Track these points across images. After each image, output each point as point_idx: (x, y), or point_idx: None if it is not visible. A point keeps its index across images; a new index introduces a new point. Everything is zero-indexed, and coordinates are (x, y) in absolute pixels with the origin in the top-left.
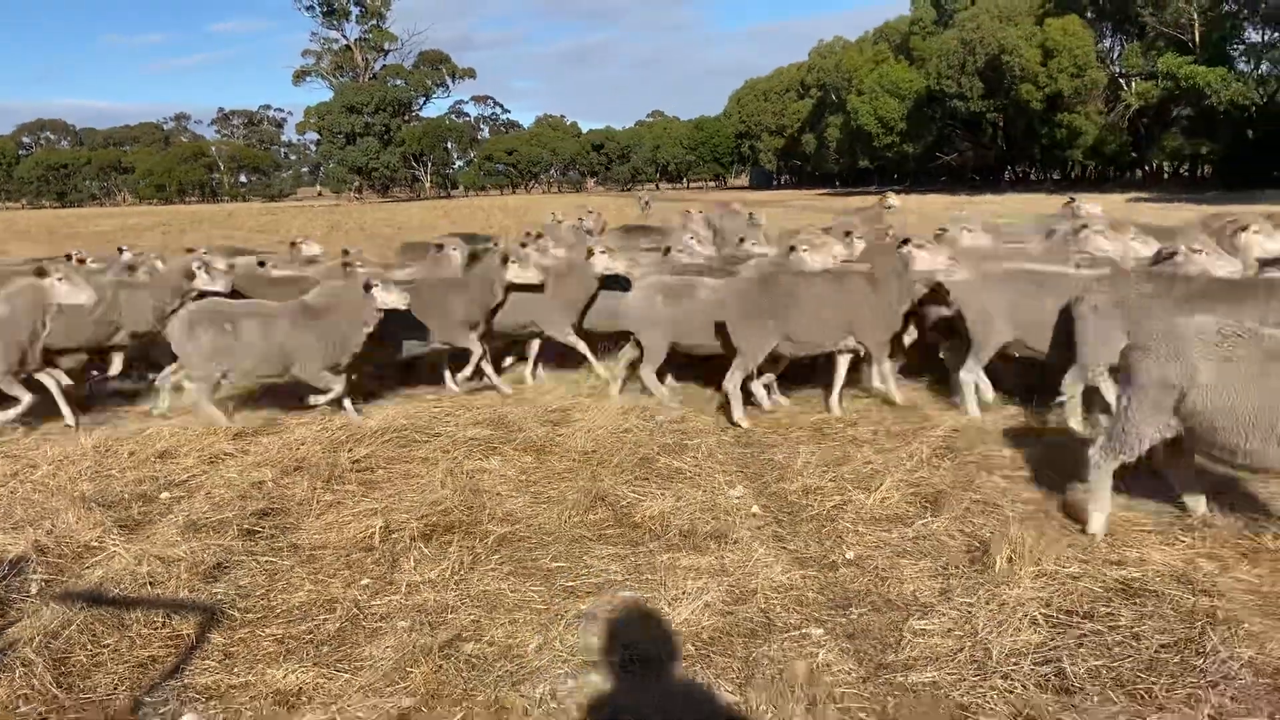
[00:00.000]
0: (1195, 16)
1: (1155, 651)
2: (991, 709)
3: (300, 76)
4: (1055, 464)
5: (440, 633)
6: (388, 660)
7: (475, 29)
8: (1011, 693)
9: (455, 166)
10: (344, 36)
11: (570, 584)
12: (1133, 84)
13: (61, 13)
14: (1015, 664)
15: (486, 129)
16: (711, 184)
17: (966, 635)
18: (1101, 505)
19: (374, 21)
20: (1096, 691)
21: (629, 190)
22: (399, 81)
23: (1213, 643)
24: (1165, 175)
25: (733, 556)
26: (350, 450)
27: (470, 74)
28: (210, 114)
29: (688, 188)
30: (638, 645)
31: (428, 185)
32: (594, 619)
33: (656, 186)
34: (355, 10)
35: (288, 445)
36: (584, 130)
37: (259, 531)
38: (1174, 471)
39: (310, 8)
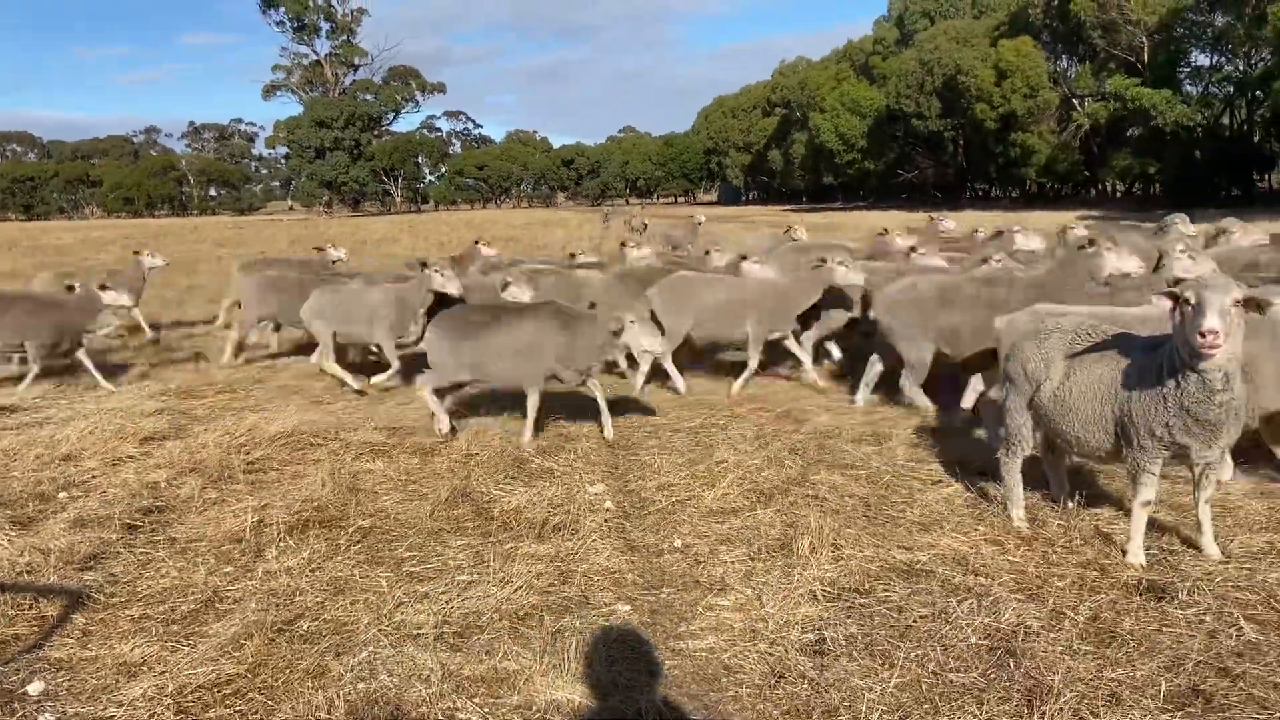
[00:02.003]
0: (1144, 40)
1: (912, 622)
2: (751, 668)
3: (270, 91)
4: (894, 460)
5: (283, 612)
6: (227, 635)
7: (451, 44)
8: (772, 655)
9: (426, 181)
10: (314, 51)
11: (415, 570)
12: (1084, 104)
13: (28, 23)
14: (784, 632)
15: (458, 144)
16: (681, 199)
17: (752, 609)
18: (1016, 500)
19: (344, 37)
20: (845, 653)
21: (598, 205)
22: (369, 96)
23: (958, 613)
24: (1117, 194)
25: (569, 545)
26: (247, 453)
27: (440, 89)
28: (181, 127)
29: (657, 203)
30: (457, 620)
31: (398, 200)
32: (425, 599)
33: (626, 201)
34: (325, 26)
35: (189, 449)
36: (555, 146)
37: (140, 526)
38: (1050, 468)
39: (280, 23)
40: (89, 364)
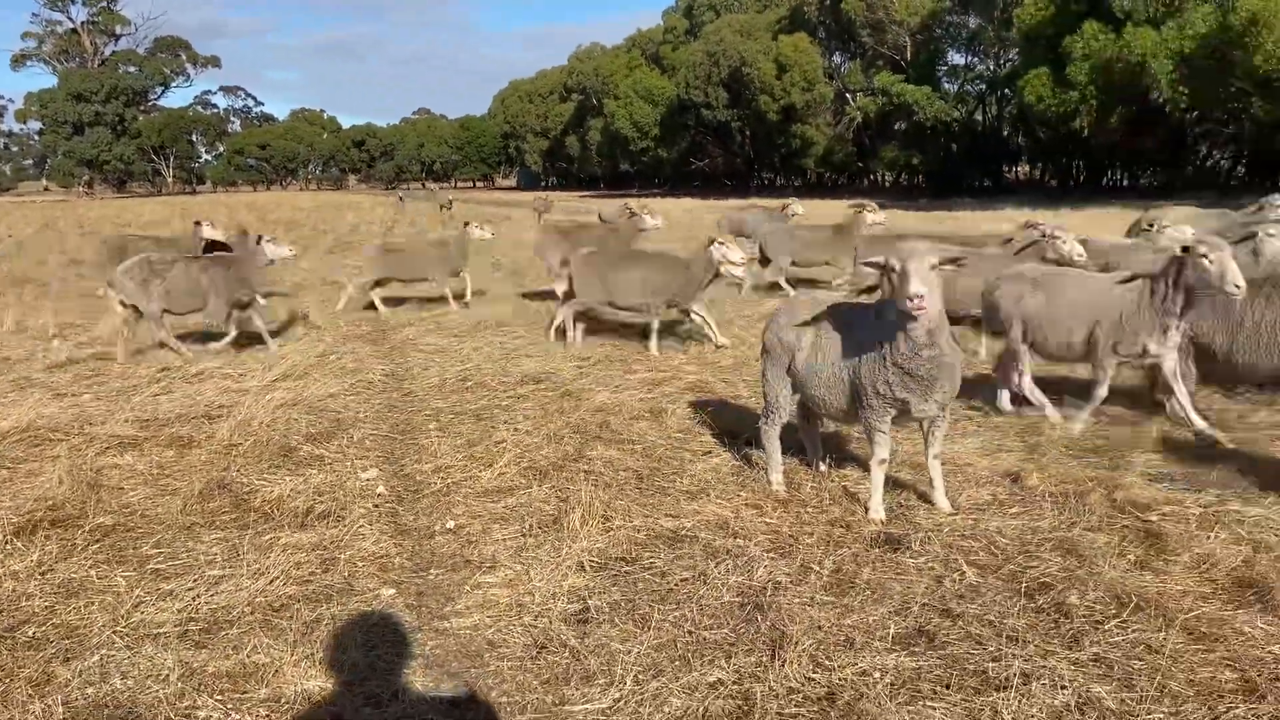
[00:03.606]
0: (908, 39)
1: (674, 585)
2: (514, 641)
3: (20, 61)
4: (669, 434)
5: (4, 619)
6: None
7: (224, 16)
8: (536, 627)
9: (202, 161)
10: (70, 19)
11: (160, 567)
12: (856, 99)
13: None
14: (550, 605)
15: (237, 121)
16: (480, 184)
17: (520, 584)
18: (775, 465)
19: (103, 3)
20: (607, 620)
21: (392, 188)
22: (132, 68)
23: (715, 573)
24: (887, 183)
25: (334, 532)
26: None
27: (214, 62)
28: None
29: (455, 187)
30: (203, 616)
31: (170, 180)
32: (169, 597)
33: (422, 185)
34: None
35: None
36: (345, 126)
37: None
38: (804, 434)
39: None
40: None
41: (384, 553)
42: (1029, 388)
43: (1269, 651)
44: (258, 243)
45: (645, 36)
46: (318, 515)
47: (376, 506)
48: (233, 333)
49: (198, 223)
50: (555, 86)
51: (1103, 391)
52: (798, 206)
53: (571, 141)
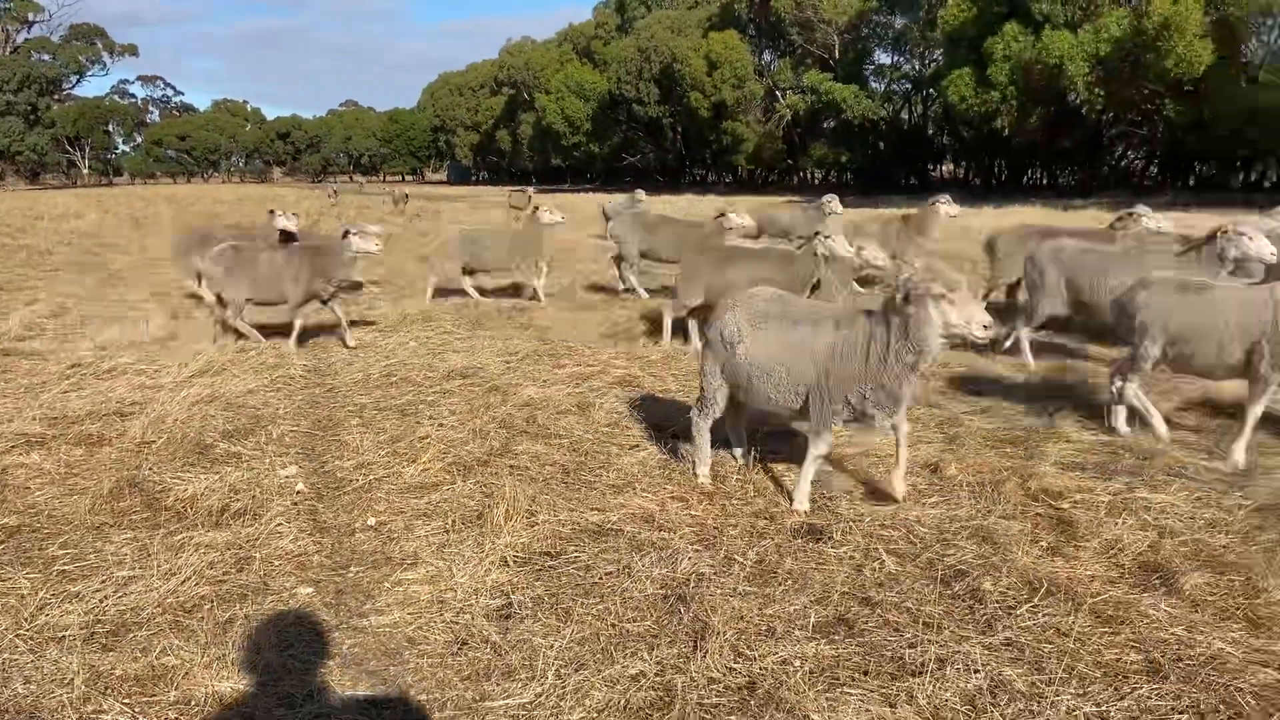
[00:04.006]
0: (836, 38)
1: (598, 579)
2: (435, 638)
3: None
4: (596, 428)
5: None
6: None
7: (142, 4)
8: (458, 623)
9: (119, 151)
10: None
11: (67, 569)
12: (785, 96)
13: None
14: (472, 600)
15: (156, 112)
16: (409, 177)
17: (442, 580)
18: (703, 458)
19: None
20: (530, 615)
21: (319, 182)
22: (46, 56)
23: (640, 566)
24: (816, 181)
25: (249, 531)
26: None
27: (132, 51)
28: None
29: (384, 181)
30: (111, 619)
31: (86, 172)
32: (76, 599)
33: (350, 178)
34: None
35: None
36: (269, 117)
37: None
38: (731, 429)
39: None
40: None
41: (302, 551)
42: (1146, 403)
43: (1172, 633)
44: (344, 236)
45: (577, 31)
46: (233, 513)
47: (295, 504)
48: (298, 325)
49: (272, 212)
50: (486, 80)
51: (1258, 411)
52: (836, 205)
53: (502, 135)
